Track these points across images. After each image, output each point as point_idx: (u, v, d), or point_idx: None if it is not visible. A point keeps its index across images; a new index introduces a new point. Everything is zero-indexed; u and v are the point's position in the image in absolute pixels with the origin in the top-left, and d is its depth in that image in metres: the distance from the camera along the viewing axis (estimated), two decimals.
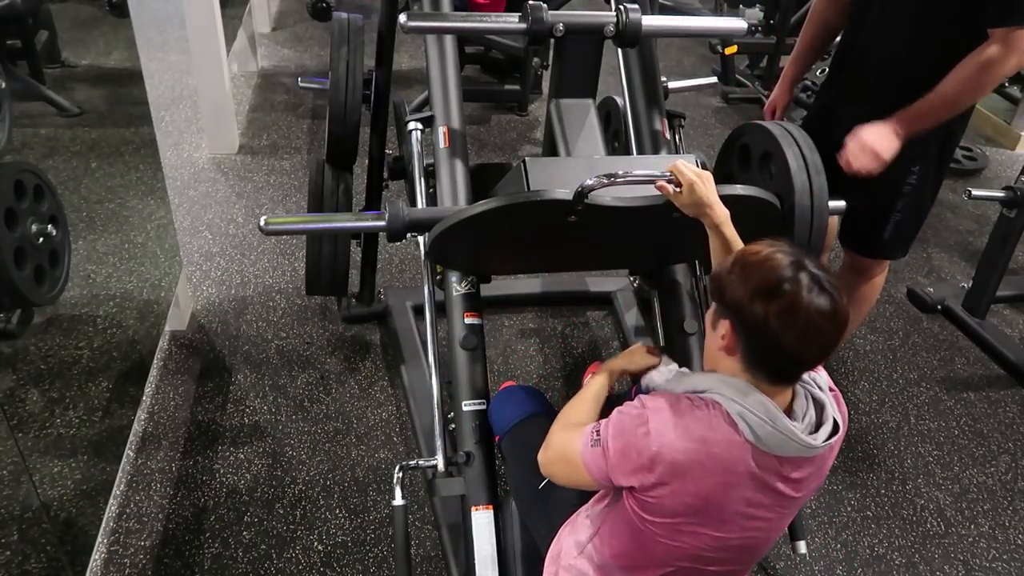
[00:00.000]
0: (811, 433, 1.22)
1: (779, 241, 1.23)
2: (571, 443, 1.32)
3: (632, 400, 1.74)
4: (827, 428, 1.24)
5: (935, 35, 1.87)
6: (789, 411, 1.24)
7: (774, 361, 1.20)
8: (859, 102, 2.02)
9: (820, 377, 1.32)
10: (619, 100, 2.17)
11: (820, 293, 1.15)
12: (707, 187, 1.45)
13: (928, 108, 1.86)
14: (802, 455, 1.22)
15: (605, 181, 1.45)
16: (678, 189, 1.46)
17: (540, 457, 1.40)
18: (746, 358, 1.21)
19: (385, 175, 2.42)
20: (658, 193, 1.50)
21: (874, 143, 1.87)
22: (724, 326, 1.22)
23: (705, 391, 1.24)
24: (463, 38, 3.57)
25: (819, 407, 1.26)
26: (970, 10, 1.77)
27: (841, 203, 1.80)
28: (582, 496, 1.43)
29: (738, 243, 1.43)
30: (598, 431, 1.28)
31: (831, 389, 1.32)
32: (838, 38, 2.19)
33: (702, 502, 1.21)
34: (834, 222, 2.36)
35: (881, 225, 2.15)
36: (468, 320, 1.73)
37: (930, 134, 1.94)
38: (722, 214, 1.45)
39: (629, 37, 1.80)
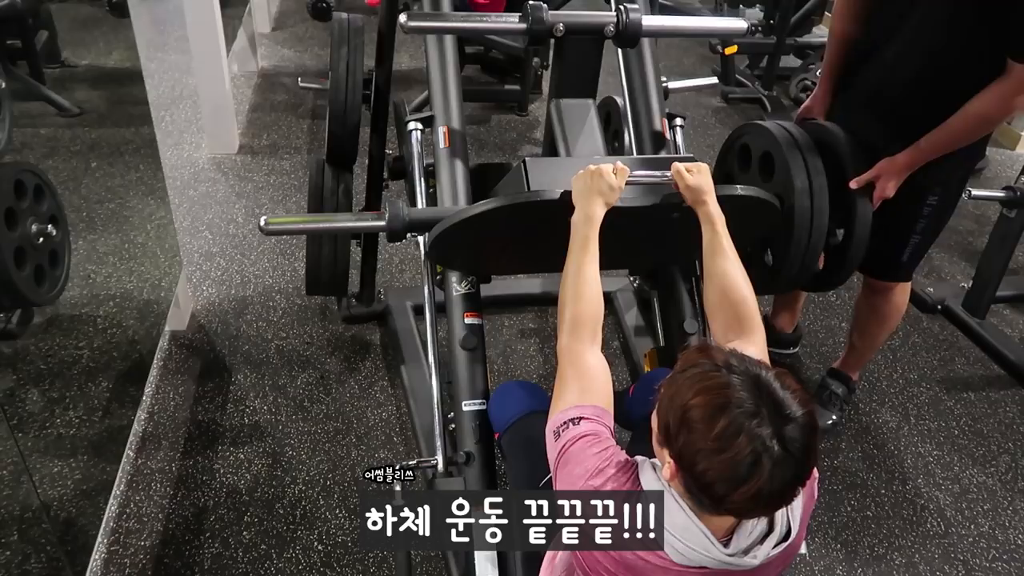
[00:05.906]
0: (757, 545, 1.09)
1: (729, 354, 1.06)
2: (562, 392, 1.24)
3: (631, 394, 1.74)
4: (776, 536, 1.10)
5: (967, 49, 1.76)
6: (737, 526, 1.09)
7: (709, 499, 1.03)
8: (873, 118, 1.96)
9: None
10: (619, 100, 2.17)
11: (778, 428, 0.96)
12: (708, 177, 1.48)
13: (945, 138, 1.82)
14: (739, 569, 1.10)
15: None
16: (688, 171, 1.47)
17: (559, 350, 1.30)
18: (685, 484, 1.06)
19: (385, 175, 2.42)
20: (658, 194, 1.51)
21: (881, 186, 1.85)
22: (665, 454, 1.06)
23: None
24: (463, 38, 3.57)
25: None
26: (999, 29, 1.69)
27: None
28: None
29: (727, 239, 1.42)
30: (569, 424, 1.18)
31: None
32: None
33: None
34: None
35: (900, 249, 2.12)
36: (468, 320, 1.73)
37: (953, 162, 1.92)
38: (716, 208, 1.46)
39: (629, 37, 1.80)
